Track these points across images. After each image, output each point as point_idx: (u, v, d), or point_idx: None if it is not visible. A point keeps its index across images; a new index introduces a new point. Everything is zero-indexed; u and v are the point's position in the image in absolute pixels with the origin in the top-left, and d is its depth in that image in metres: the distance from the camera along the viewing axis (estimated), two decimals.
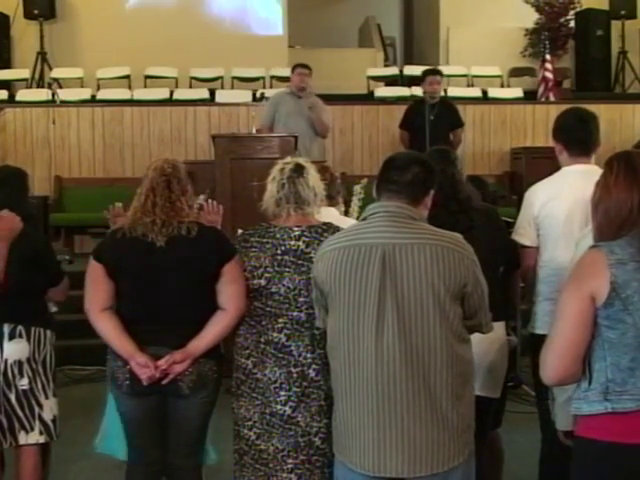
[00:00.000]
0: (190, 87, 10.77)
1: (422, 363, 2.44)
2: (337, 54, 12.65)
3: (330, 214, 3.47)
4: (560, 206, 3.34)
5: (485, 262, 2.64)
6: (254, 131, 7.23)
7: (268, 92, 8.64)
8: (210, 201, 3.80)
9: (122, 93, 10.16)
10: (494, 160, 9.52)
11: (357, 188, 6.24)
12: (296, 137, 6.55)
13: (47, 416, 3.50)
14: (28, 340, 3.45)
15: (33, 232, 3.48)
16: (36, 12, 10.79)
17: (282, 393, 2.91)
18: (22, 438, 3.47)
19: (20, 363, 3.44)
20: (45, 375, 3.52)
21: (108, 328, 3.00)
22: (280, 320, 2.93)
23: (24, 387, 3.45)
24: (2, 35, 10.87)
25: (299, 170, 3.00)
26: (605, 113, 8.63)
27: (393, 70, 11.85)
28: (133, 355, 2.95)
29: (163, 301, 2.98)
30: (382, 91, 10.73)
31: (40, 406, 3.48)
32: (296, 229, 2.95)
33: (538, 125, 9.46)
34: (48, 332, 3.54)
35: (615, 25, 11.51)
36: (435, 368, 2.44)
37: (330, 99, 9.54)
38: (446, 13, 12.02)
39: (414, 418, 2.44)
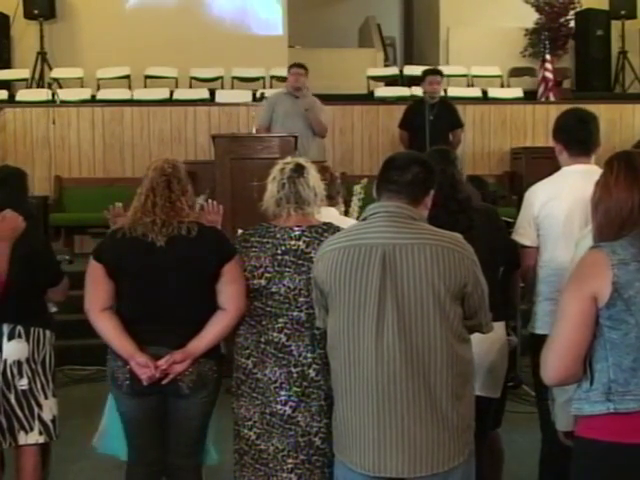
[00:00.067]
0: (190, 87, 10.77)
1: (422, 363, 2.44)
2: (337, 54, 12.65)
3: (330, 214, 3.47)
4: (560, 206, 3.34)
5: (485, 262, 2.64)
6: (254, 131, 7.23)
7: (268, 92, 8.63)
8: (210, 201, 3.80)
9: (122, 93, 10.16)
10: (494, 160, 9.52)
11: (357, 188, 6.24)
12: (296, 137, 6.54)
13: (47, 416, 3.50)
14: (27, 340, 3.45)
15: (33, 232, 3.48)
16: (36, 12, 10.79)
17: (282, 393, 2.91)
18: (22, 438, 3.47)
19: (19, 363, 3.44)
20: (44, 375, 3.52)
21: (108, 328, 3.00)
22: (280, 320, 2.93)
23: (23, 387, 3.45)
24: (2, 35, 10.87)
25: (299, 170, 3.00)
26: (605, 113, 8.64)
27: (393, 70, 11.85)
28: (133, 355, 2.95)
29: (163, 301, 2.98)
30: (382, 91, 10.73)
31: (39, 406, 3.48)
32: (296, 229, 2.95)
33: (538, 125, 9.46)
34: (47, 332, 3.54)
35: (615, 25, 11.51)
36: (435, 368, 2.44)
37: (330, 99, 9.56)
38: (446, 13, 12.02)
39: (414, 418, 2.44)
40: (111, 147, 9.14)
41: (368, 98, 10.54)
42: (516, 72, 11.54)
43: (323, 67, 11.63)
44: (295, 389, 2.90)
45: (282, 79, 10.06)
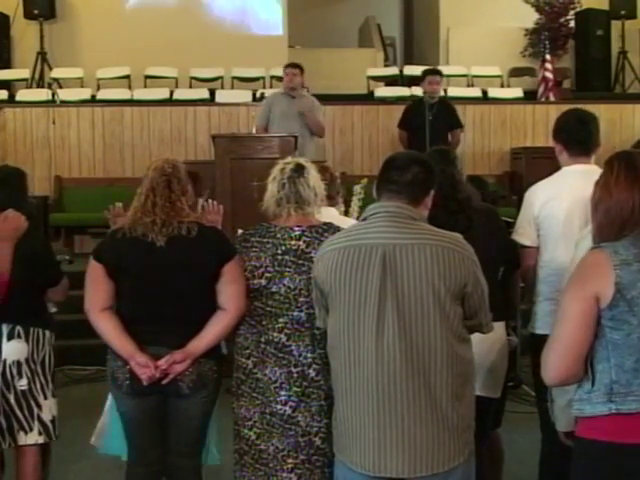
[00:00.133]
0: (190, 87, 10.77)
1: (422, 363, 2.43)
2: (337, 54, 12.66)
3: (330, 214, 3.47)
4: (560, 206, 3.34)
5: (485, 262, 2.64)
6: (254, 131, 7.23)
7: (268, 92, 8.64)
8: (210, 201, 3.80)
9: (122, 93, 10.16)
10: (494, 160, 9.52)
11: (357, 188, 6.25)
12: (296, 137, 6.55)
13: (46, 416, 3.50)
14: (27, 340, 3.45)
15: (33, 232, 3.48)
16: (36, 12, 10.79)
17: (282, 393, 2.91)
18: (21, 438, 3.47)
19: (19, 363, 3.44)
20: (44, 375, 3.51)
21: (108, 328, 2.99)
22: (280, 320, 2.93)
23: (23, 388, 3.44)
24: (2, 35, 10.87)
25: (300, 170, 3.00)
26: (605, 113, 8.64)
27: (393, 70, 11.85)
28: (133, 355, 2.95)
29: (163, 301, 2.98)
30: (382, 91, 10.73)
31: (39, 406, 3.48)
32: (296, 229, 2.95)
33: (538, 125, 9.46)
34: (47, 332, 3.54)
35: (615, 25, 11.51)
36: (435, 368, 2.44)
37: (330, 99, 9.59)
38: (446, 13, 12.02)
39: (414, 418, 2.43)
40: (111, 147, 9.14)
41: (368, 98, 10.54)
42: (516, 72, 11.54)
43: (323, 67, 11.64)
44: (295, 389, 2.90)
45: (282, 79, 10.06)
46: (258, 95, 8.45)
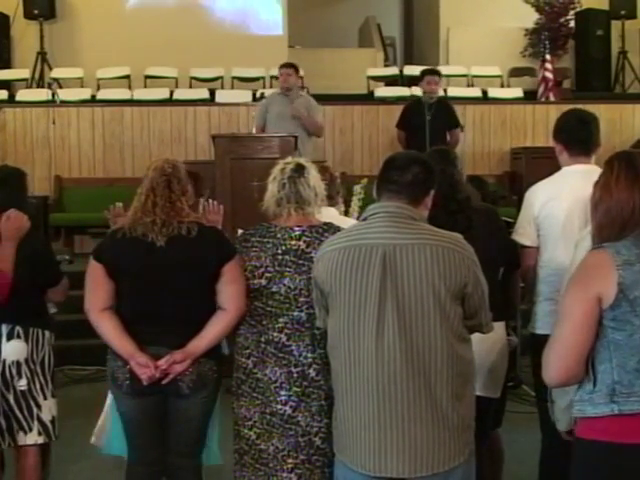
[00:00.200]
0: (190, 87, 10.77)
1: (422, 363, 2.44)
2: (337, 54, 12.66)
3: (330, 214, 3.47)
4: (560, 206, 3.34)
5: (485, 262, 2.64)
6: (254, 131, 7.23)
7: (268, 92, 8.64)
8: (211, 201, 3.80)
9: (122, 93, 10.16)
10: (494, 160, 9.52)
11: (357, 188, 6.25)
12: (296, 137, 6.55)
13: (46, 417, 3.50)
14: (26, 340, 3.45)
15: (33, 232, 3.48)
16: (36, 12, 10.79)
17: (282, 393, 2.91)
18: (21, 439, 3.47)
19: (18, 364, 3.44)
20: (44, 376, 3.51)
21: (108, 328, 2.99)
22: (280, 320, 2.93)
23: (22, 388, 3.44)
24: (2, 35, 10.87)
25: (300, 170, 3.00)
26: (605, 113, 8.64)
27: (393, 70, 11.85)
28: (133, 355, 2.95)
29: (163, 301, 2.98)
30: (382, 91, 10.73)
31: (39, 407, 3.48)
32: (297, 229, 2.95)
33: (538, 125, 9.46)
34: (47, 332, 3.54)
35: (615, 25, 11.51)
36: (435, 368, 2.44)
37: (330, 99, 9.59)
38: (446, 13, 12.02)
39: (414, 418, 2.43)
40: (111, 147, 9.14)
41: (368, 98, 10.54)
42: (516, 72, 11.54)
43: (323, 67, 11.65)
44: (295, 389, 2.90)
45: None
46: (258, 95, 8.45)
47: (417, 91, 9.26)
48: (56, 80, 10.11)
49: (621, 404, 2.11)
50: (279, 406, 2.91)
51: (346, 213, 5.33)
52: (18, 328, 3.44)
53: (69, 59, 10.85)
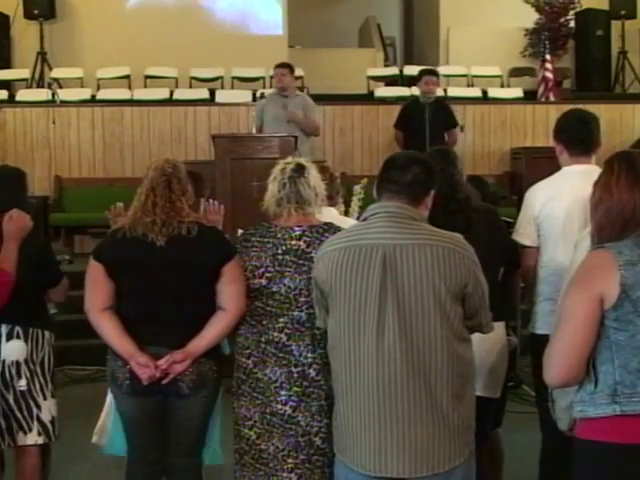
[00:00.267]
0: (190, 87, 10.77)
1: (423, 363, 2.44)
2: (337, 54, 12.66)
3: (330, 214, 3.48)
4: (560, 206, 3.34)
5: (485, 262, 2.64)
6: (254, 131, 7.22)
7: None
8: (212, 201, 3.80)
9: (122, 93, 10.15)
10: (494, 160, 9.52)
11: (357, 188, 6.25)
12: (296, 137, 6.55)
13: (45, 417, 3.50)
14: (26, 341, 3.45)
15: (34, 232, 3.47)
16: (36, 12, 10.78)
17: (282, 393, 2.91)
18: (20, 439, 3.46)
19: (18, 364, 3.43)
20: (43, 376, 3.51)
21: (108, 328, 2.99)
22: (281, 320, 2.93)
23: (22, 388, 3.44)
24: (2, 35, 10.86)
25: (300, 170, 3.00)
26: (605, 113, 8.63)
27: (393, 70, 11.85)
28: (133, 355, 2.95)
29: (163, 301, 2.98)
30: (382, 91, 10.73)
31: (38, 407, 3.48)
32: (297, 229, 2.95)
33: (538, 125, 9.46)
34: (47, 333, 3.54)
35: (615, 25, 11.51)
36: (436, 368, 2.44)
37: (330, 99, 9.60)
38: (446, 13, 12.01)
39: (415, 418, 2.44)
40: (111, 147, 9.14)
41: (368, 98, 10.54)
42: (516, 72, 11.54)
43: (323, 67, 11.65)
44: (295, 389, 2.90)
45: None
46: (258, 95, 8.44)
47: (417, 91, 9.25)
48: (56, 80, 10.11)
49: (623, 404, 2.10)
50: (279, 406, 2.91)
51: (346, 213, 5.33)
52: (18, 328, 3.43)
53: (69, 59, 10.85)
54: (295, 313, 2.92)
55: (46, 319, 3.61)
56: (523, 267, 3.49)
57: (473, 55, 11.31)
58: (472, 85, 11.10)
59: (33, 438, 3.48)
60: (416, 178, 2.57)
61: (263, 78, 10.79)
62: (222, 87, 10.81)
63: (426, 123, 7.56)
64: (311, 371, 2.90)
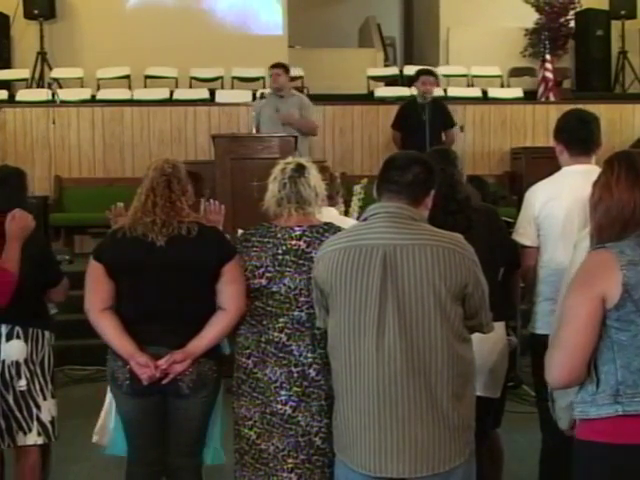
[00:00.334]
0: (190, 87, 10.76)
1: (423, 363, 2.44)
2: (337, 54, 12.66)
3: (330, 214, 3.48)
4: (560, 206, 3.34)
5: (485, 262, 2.64)
6: (254, 131, 7.22)
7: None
8: (212, 201, 3.80)
9: (122, 93, 10.15)
10: (494, 160, 9.52)
11: (357, 188, 6.25)
12: (296, 137, 6.54)
13: (45, 417, 3.49)
14: (26, 341, 3.44)
15: (34, 232, 3.47)
16: (36, 12, 10.78)
17: (283, 393, 2.91)
18: (20, 439, 3.46)
19: (18, 364, 3.43)
20: (43, 376, 3.51)
21: (108, 328, 2.99)
22: (281, 320, 2.93)
23: (22, 388, 3.43)
24: (2, 35, 10.86)
25: (300, 170, 3.00)
26: (605, 113, 8.62)
27: (393, 70, 11.85)
28: (133, 355, 2.95)
29: (163, 301, 2.98)
30: (382, 91, 10.73)
31: (38, 407, 3.47)
32: (297, 229, 2.95)
33: (538, 125, 9.45)
34: (47, 333, 3.53)
35: (615, 25, 11.51)
36: (436, 368, 2.44)
37: (330, 99, 9.60)
38: (446, 13, 12.01)
39: (415, 418, 2.44)
40: (111, 147, 9.13)
41: (368, 98, 10.54)
42: (516, 72, 11.54)
43: (323, 67, 11.65)
44: (295, 389, 2.90)
45: None
46: (258, 95, 8.45)
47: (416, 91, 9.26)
48: (56, 80, 10.11)
49: (625, 405, 2.10)
50: (279, 406, 2.91)
51: (346, 213, 5.33)
52: (18, 328, 3.43)
53: (69, 59, 10.85)
54: (295, 313, 2.92)
55: (46, 319, 3.61)
56: (523, 267, 3.49)
57: (473, 55, 11.31)
58: (472, 85, 11.10)
59: (33, 438, 3.47)
60: (416, 178, 2.57)
61: (263, 78, 10.78)
62: (222, 87, 10.81)
63: (426, 123, 7.56)
64: (311, 371, 2.90)
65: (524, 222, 3.47)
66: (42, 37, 10.82)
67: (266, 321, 2.95)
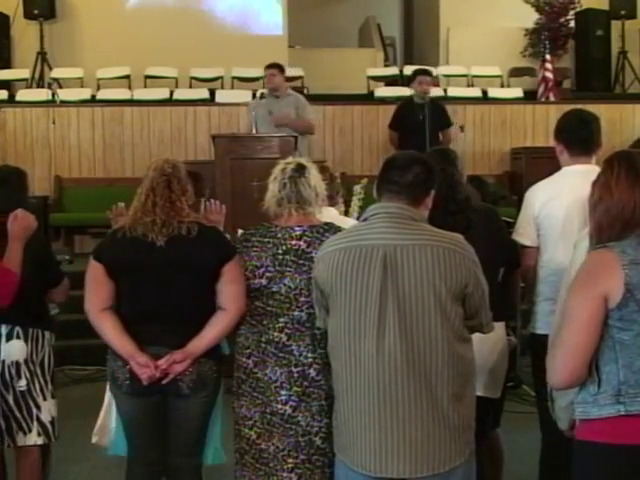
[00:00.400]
0: (190, 87, 10.76)
1: (423, 363, 2.44)
2: (337, 54, 12.66)
3: (330, 214, 3.48)
4: (560, 206, 3.34)
5: (485, 262, 2.64)
6: (254, 131, 7.22)
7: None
8: (213, 201, 3.80)
9: (122, 93, 10.15)
10: (494, 160, 9.52)
11: (357, 188, 6.25)
12: (296, 137, 6.54)
13: (45, 417, 3.49)
14: (26, 341, 3.44)
15: (35, 232, 3.47)
16: (36, 12, 10.78)
17: (283, 392, 2.91)
18: (20, 439, 3.46)
19: (18, 364, 3.43)
20: (43, 376, 3.51)
21: (108, 328, 2.99)
22: (281, 320, 2.93)
23: (22, 388, 3.43)
24: (2, 35, 10.86)
25: (301, 170, 3.00)
26: (605, 113, 8.61)
27: (393, 70, 11.84)
28: (133, 355, 2.95)
29: (163, 301, 2.98)
30: (382, 91, 10.73)
31: (38, 408, 3.47)
32: (297, 229, 2.95)
33: (538, 125, 9.45)
34: (47, 333, 3.53)
35: (615, 25, 11.51)
36: (436, 368, 2.44)
37: (330, 99, 9.59)
38: (446, 13, 12.01)
39: (415, 418, 2.44)
40: (111, 147, 9.13)
41: (368, 98, 10.53)
42: (516, 72, 11.54)
43: (323, 67, 11.65)
44: (296, 389, 2.90)
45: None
46: (258, 95, 8.44)
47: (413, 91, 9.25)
48: (56, 80, 10.11)
49: (628, 404, 2.09)
50: (279, 406, 2.91)
51: (346, 213, 5.34)
52: (18, 328, 3.43)
53: (69, 59, 10.85)
54: (295, 313, 2.92)
55: (46, 319, 3.61)
56: (523, 267, 3.49)
57: (473, 55, 11.31)
58: (472, 85, 11.10)
59: (33, 439, 3.48)
60: (416, 178, 2.56)
61: (263, 78, 10.73)
62: (222, 87, 10.81)
63: (426, 123, 7.56)
64: (311, 371, 2.90)
65: (524, 222, 3.47)
66: (42, 37, 10.82)
67: (266, 321, 2.95)
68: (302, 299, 2.90)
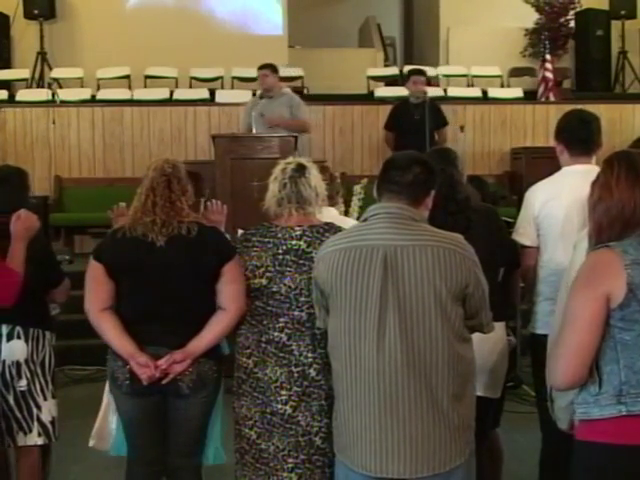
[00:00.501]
0: (190, 87, 10.77)
1: (424, 363, 2.44)
2: (337, 54, 12.66)
3: (330, 214, 3.48)
4: (560, 206, 3.34)
5: (485, 262, 2.64)
6: (254, 131, 7.22)
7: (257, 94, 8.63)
8: (215, 201, 3.80)
9: (122, 93, 10.15)
10: (494, 160, 9.52)
11: (357, 188, 6.26)
12: (296, 137, 6.54)
13: (45, 418, 3.49)
14: (26, 341, 3.44)
15: (36, 232, 3.47)
16: (36, 12, 10.79)
17: (283, 392, 2.91)
18: (20, 439, 3.46)
19: (18, 364, 3.43)
20: (44, 376, 3.50)
21: (108, 328, 2.99)
22: (281, 319, 2.93)
23: (22, 388, 3.43)
24: (2, 35, 10.87)
25: (301, 170, 3.00)
26: (605, 113, 8.60)
27: (393, 70, 11.84)
28: (133, 355, 2.95)
29: (163, 301, 2.98)
30: (382, 91, 10.73)
31: (38, 408, 3.47)
32: (297, 229, 2.95)
33: (538, 125, 9.46)
34: (47, 333, 3.53)
35: (615, 25, 11.51)
36: (437, 368, 2.44)
37: (330, 99, 9.60)
38: (446, 13, 12.02)
39: (416, 419, 2.44)
40: (111, 147, 9.14)
41: (368, 98, 10.54)
42: (516, 72, 11.54)
43: (323, 67, 11.65)
44: (296, 389, 2.90)
45: (282, 79, 10.05)
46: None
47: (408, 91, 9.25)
48: (56, 80, 10.12)
49: (629, 405, 2.09)
50: (279, 406, 2.91)
51: (346, 213, 5.34)
52: (18, 328, 3.43)
53: (69, 59, 10.85)
54: (295, 313, 2.92)
55: (47, 319, 3.61)
56: (523, 267, 3.49)
57: (473, 55, 11.31)
58: (472, 85, 11.10)
59: (33, 439, 3.47)
60: (417, 178, 2.56)
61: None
62: (222, 87, 10.82)
63: (425, 123, 7.56)
64: (311, 371, 2.90)
65: (524, 222, 3.47)
66: (42, 37, 10.83)
67: (266, 321, 2.95)
68: (302, 299, 2.90)
